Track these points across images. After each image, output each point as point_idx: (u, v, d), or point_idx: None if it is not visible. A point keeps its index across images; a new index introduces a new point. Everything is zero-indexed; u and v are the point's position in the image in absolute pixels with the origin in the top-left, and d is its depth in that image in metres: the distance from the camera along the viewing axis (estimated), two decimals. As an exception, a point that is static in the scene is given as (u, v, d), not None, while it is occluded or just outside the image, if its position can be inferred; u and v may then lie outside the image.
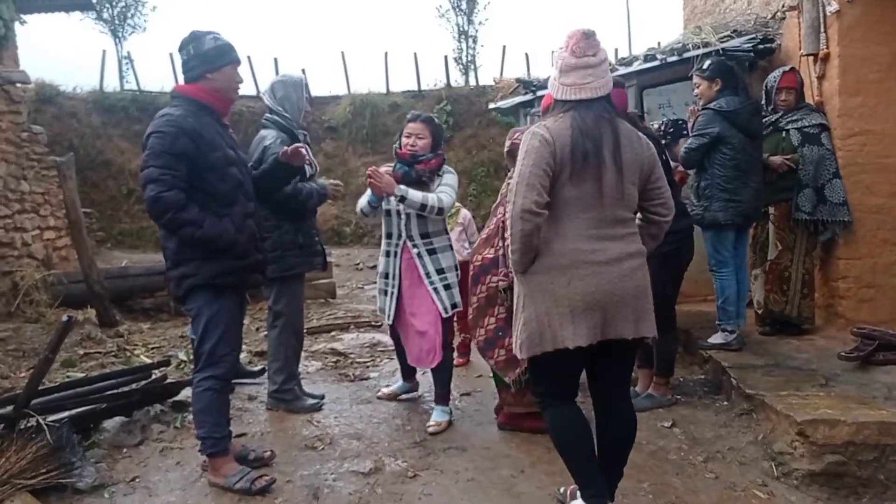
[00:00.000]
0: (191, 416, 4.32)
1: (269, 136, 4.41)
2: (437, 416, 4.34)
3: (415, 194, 4.10)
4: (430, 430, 4.23)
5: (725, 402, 4.51)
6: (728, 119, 4.91)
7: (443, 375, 4.39)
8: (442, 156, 4.40)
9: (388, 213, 4.33)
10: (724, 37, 6.28)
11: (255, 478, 3.47)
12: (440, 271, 4.30)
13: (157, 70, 29.75)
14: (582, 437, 2.90)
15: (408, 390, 4.88)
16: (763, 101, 5.51)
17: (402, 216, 4.26)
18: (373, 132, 16.40)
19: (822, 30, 5.36)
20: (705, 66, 5.16)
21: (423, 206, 4.11)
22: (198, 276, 3.41)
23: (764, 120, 5.36)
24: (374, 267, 12.85)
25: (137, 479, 3.65)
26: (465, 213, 6.01)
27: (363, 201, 4.34)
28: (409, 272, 4.32)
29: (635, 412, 3.05)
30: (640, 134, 2.91)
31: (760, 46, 6.21)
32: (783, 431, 3.76)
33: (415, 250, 4.28)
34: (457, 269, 4.41)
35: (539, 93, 6.93)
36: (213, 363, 3.50)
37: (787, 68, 5.44)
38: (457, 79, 18.74)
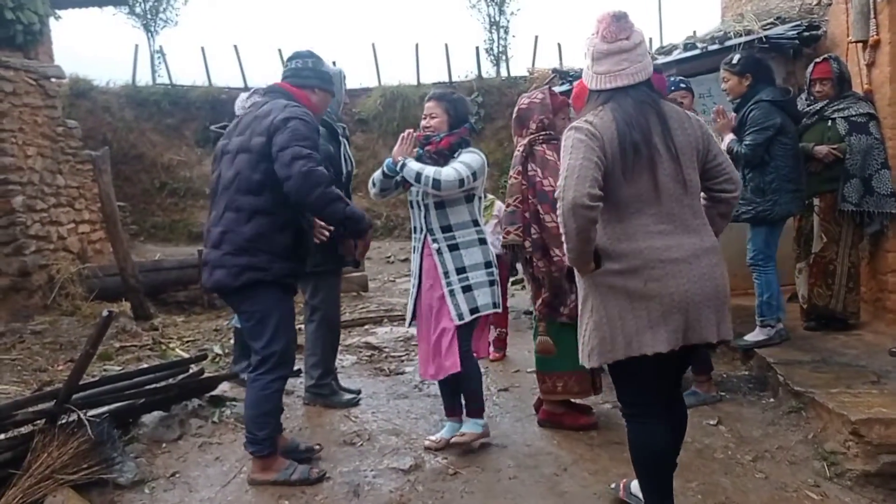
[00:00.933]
0: (228, 412, 4.36)
1: (306, 128, 4.36)
2: (468, 427, 3.90)
3: (413, 163, 3.70)
4: (453, 440, 3.88)
5: (772, 399, 4.39)
6: (783, 108, 4.80)
7: (468, 387, 3.89)
8: (457, 135, 3.86)
9: (411, 204, 3.93)
10: (768, 24, 6.13)
11: (308, 468, 3.52)
12: (461, 270, 3.77)
13: (189, 64, 30.02)
14: (664, 458, 2.76)
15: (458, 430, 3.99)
16: (806, 91, 5.36)
17: (421, 207, 3.83)
18: (403, 124, 16.15)
19: (872, 16, 5.18)
20: (735, 61, 4.96)
21: (417, 177, 3.66)
22: (268, 273, 3.37)
23: (807, 108, 5.23)
24: (406, 260, 12.87)
25: (177, 475, 3.63)
26: (500, 206, 5.93)
27: (377, 172, 3.95)
28: (431, 271, 3.86)
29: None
30: (688, 113, 2.75)
31: (805, 34, 6.04)
32: (835, 430, 3.64)
33: (434, 245, 3.81)
34: (489, 267, 3.86)
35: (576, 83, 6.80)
36: (285, 363, 3.49)
37: (819, 59, 5.28)
38: (488, 70, 18.74)
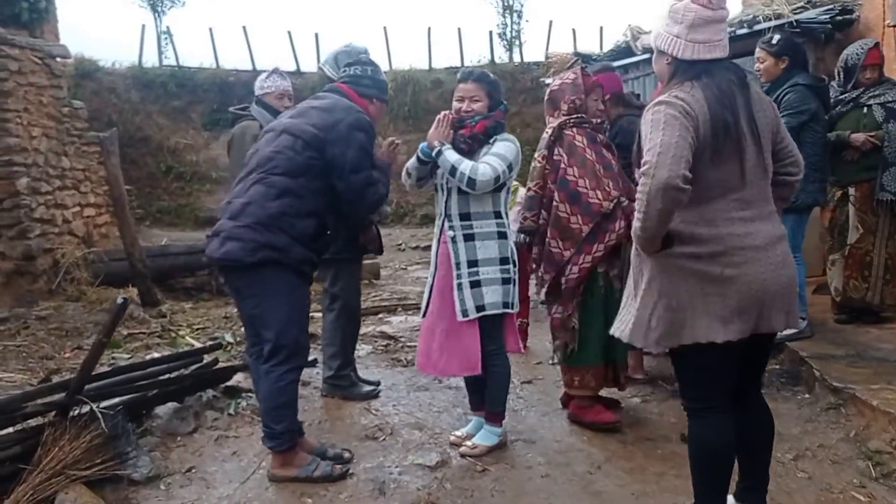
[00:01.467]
0: (244, 403, 4.22)
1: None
2: (482, 438, 3.67)
3: (451, 154, 3.43)
4: (461, 450, 3.63)
5: (807, 395, 4.23)
6: (818, 95, 4.65)
7: (492, 387, 3.66)
8: (493, 118, 3.58)
9: (436, 187, 3.68)
10: (798, 8, 5.93)
11: (331, 464, 3.39)
12: (472, 263, 3.51)
13: (197, 45, 29.61)
14: (727, 461, 2.61)
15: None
16: (841, 78, 5.15)
17: (444, 190, 3.59)
18: (415, 109, 16.11)
19: (913, -2, 5.01)
20: (774, 41, 4.82)
21: (452, 171, 3.41)
22: (285, 255, 3.19)
23: (842, 96, 5.06)
24: (416, 248, 12.73)
25: (193, 470, 3.48)
26: (524, 192, 5.75)
27: (412, 159, 3.67)
28: (445, 259, 3.60)
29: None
30: (760, 93, 2.61)
31: (838, 18, 5.85)
32: (880, 429, 3.49)
33: (450, 233, 3.55)
34: (505, 263, 3.57)
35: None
36: (299, 353, 3.34)
37: (870, 44, 5.07)
38: (501, 55, 18.49)
